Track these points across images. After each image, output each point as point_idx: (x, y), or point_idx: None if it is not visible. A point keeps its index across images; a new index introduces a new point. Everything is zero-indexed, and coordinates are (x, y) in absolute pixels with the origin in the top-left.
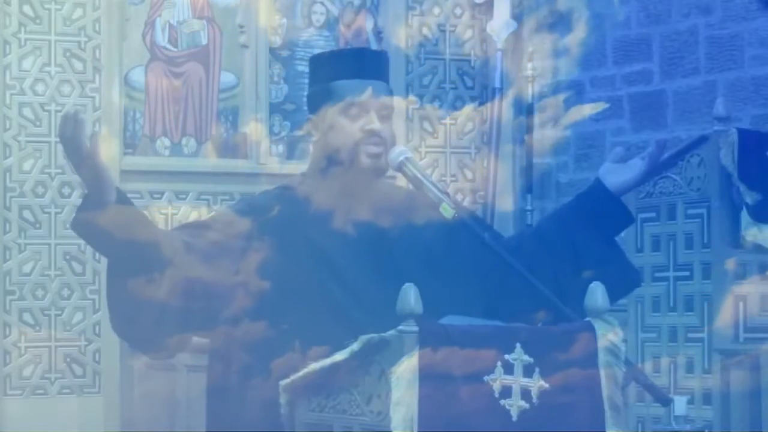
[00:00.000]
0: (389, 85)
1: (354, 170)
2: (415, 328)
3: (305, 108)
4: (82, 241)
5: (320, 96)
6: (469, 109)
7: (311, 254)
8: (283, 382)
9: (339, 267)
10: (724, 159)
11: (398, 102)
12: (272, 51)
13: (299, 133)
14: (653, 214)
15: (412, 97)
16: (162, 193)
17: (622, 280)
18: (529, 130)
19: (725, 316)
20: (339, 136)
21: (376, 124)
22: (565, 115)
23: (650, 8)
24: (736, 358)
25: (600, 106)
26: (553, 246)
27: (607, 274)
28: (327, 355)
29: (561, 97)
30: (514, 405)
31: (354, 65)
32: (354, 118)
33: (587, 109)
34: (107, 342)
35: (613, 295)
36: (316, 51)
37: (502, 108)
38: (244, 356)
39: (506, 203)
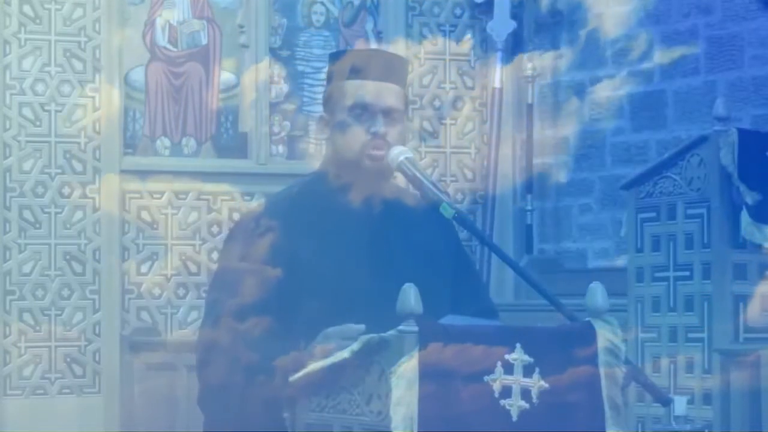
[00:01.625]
0: (405, 90)
1: (359, 171)
2: (415, 328)
3: (305, 108)
4: (82, 241)
5: (333, 94)
6: (468, 108)
7: (317, 252)
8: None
9: (343, 266)
10: (724, 159)
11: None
12: (272, 51)
13: (300, 132)
14: (653, 214)
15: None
16: (162, 193)
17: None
18: (528, 130)
19: (725, 316)
20: (345, 135)
21: (381, 127)
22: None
23: (650, 8)
24: (736, 358)
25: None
26: None
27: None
28: (331, 353)
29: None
30: (514, 405)
31: (370, 66)
32: (360, 119)
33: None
34: (107, 342)
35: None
36: (316, 51)
37: (502, 108)
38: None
39: (506, 203)
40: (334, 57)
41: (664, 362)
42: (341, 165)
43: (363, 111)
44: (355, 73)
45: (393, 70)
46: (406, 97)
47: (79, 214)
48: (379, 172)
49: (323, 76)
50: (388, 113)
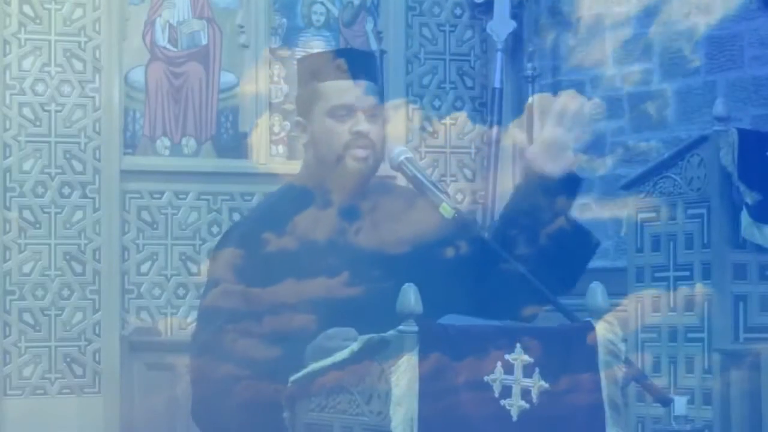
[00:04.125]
0: (381, 85)
1: (342, 172)
2: (415, 328)
3: None
4: (82, 241)
5: (308, 98)
6: (468, 108)
7: (304, 258)
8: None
9: (331, 272)
10: (724, 159)
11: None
12: (272, 51)
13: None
14: (653, 214)
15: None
16: (162, 193)
17: (581, 247)
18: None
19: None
20: (327, 138)
21: (364, 126)
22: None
23: (650, 8)
24: (736, 358)
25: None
26: (515, 226)
27: (567, 242)
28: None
29: None
30: (514, 405)
31: (344, 66)
32: (341, 120)
33: None
34: (107, 342)
35: (577, 263)
36: (316, 51)
37: (502, 108)
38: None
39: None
40: (302, 61)
41: (664, 362)
42: (323, 168)
43: (344, 111)
44: (329, 73)
45: (366, 66)
46: (381, 92)
47: (79, 214)
48: (362, 172)
49: None
50: (368, 111)
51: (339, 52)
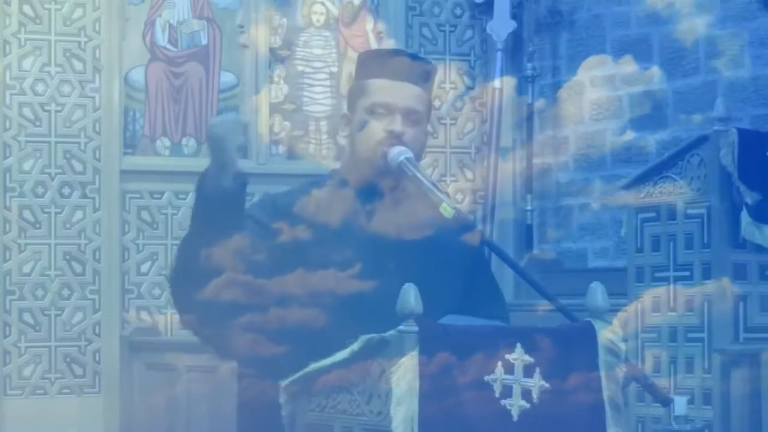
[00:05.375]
0: (429, 95)
1: (373, 170)
2: (415, 328)
3: (305, 108)
4: (82, 241)
5: (356, 92)
6: (468, 108)
7: (326, 248)
8: (284, 383)
9: (350, 265)
10: (724, 159)
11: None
12: (272, 51)
13: (300, 132)
14: (653, 214)
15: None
16: (162, 193)
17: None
18: (528, 130)
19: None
20: (362, 133)
21: (398, 127)
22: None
23: (650, 8)
24: (736, 358)
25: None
26: None
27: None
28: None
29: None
30: (515, 405)
31: (394, 66)
32: (379, 118)
33: None
34: (107, 342)
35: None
36: (316, 51)
37: (502, 108)
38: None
39: (506, 203)
40: (361, 56)
41: (664, 362)
42: (357, 163)
43: (383, 109)
44: (378, 71)
45: (417, 72)
46: (429, 102)
47: (79, 214)
48: (388, 172)
49: (323, 76)
50: (407, 114)
51: (396, 53)
